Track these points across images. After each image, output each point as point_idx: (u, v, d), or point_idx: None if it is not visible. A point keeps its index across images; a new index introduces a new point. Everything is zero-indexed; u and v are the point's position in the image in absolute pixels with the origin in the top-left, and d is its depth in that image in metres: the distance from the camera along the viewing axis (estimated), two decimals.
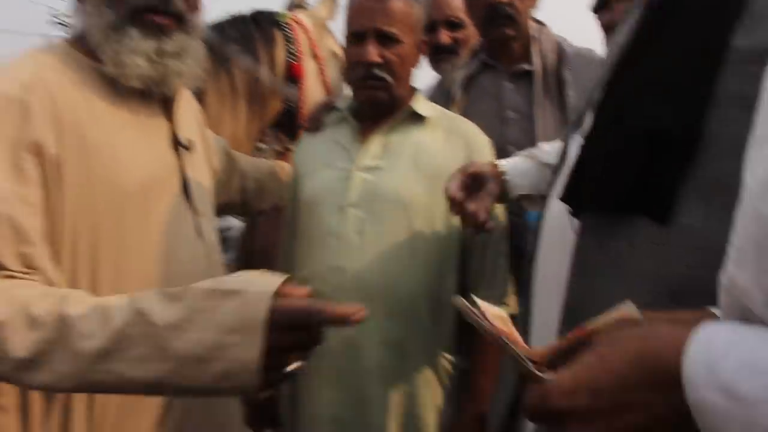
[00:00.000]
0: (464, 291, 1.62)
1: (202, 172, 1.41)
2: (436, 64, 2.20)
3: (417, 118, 1.65)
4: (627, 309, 0.62)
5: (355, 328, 1.52)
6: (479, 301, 0.68)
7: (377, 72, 1.57)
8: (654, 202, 0.79)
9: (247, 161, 1.73)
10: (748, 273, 0.50)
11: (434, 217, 1.56)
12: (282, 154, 1.93)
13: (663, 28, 0.85)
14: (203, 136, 1.49)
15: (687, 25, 0.81)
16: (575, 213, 0.92)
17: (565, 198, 0.94)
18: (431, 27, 2.13)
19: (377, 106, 1.63)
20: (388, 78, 1.58)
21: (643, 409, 0.52)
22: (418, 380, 1.56)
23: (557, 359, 0.62)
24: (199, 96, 1.59)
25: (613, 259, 0.83)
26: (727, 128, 0.76)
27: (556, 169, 1.11)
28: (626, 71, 0.89)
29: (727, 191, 0.72)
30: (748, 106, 0.68)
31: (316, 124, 1.75)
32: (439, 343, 1.60)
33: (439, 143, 1.63)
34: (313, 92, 1.99)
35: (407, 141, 1.62)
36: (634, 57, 0.89)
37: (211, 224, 1.38)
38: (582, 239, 0.89)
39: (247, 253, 2.02)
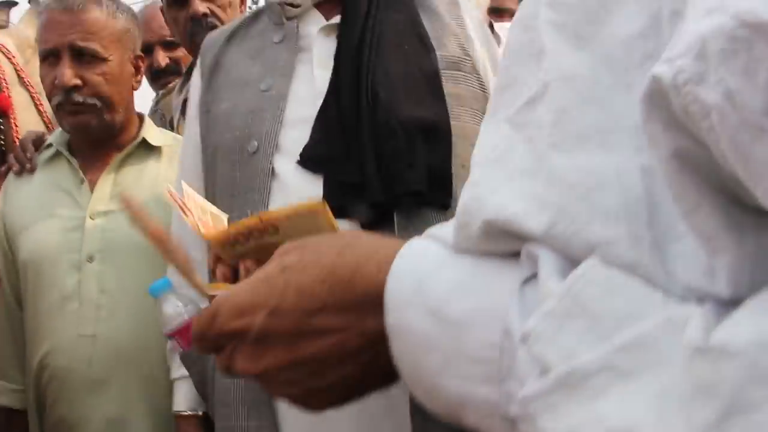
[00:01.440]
0: None
1: None
2: (158, 88, 2.04)
3: (149, 149, 1.45)
4: (315, 203, 0.55)
5: (117, 402, 1.34)
6: (187, 190, 0.60)
7: (76, 97, 1.33)
8: (440, 192, 0.92)
9: None
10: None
11: None
12: None
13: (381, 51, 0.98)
14: None
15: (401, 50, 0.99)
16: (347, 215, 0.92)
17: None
18: (147, 49, 1.92)
19: (89, 135, 1.40)
20: (95, 102, 1.35)
21: (330, 334, 0.44)
22: None
23: (233, 250, 0.55)
24: None
25: None
26: (455, 120, 0.95)
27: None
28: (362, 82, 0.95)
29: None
30: (460, 102, 0.97)
31: (24, 165, 1.46)
32: None
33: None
34: (27, 127, 1.69)
35: (143, 176, 1.42)
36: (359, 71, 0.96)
37: None
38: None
39: None
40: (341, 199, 0.91)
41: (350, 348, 0.44)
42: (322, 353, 0.44)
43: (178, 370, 1.21)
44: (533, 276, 0.34)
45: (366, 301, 0.42)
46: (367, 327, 0.43)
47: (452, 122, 0.95)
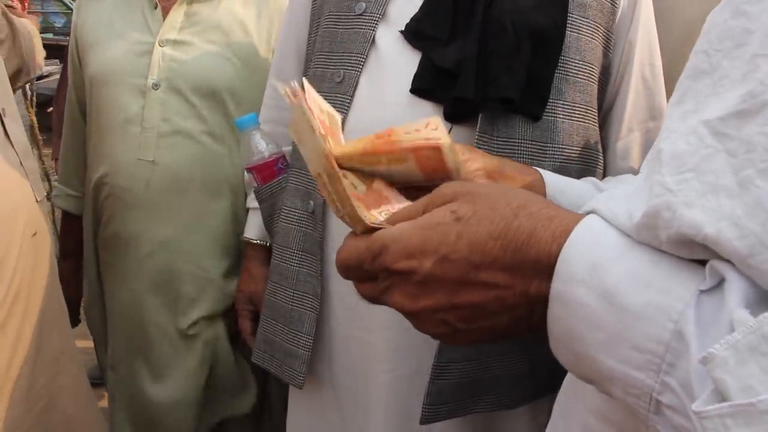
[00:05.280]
0: None
1: None
2: None
3: None
4: (440, 142, 0.51)
5: (171, 226, 1.40)
6: (308, 87, 0.55)
7: None
8: (533, 102, 0.87)
9: None
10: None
11: (246, 103, 1.38)
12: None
13: None
14: None
15: None
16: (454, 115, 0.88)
17: (440, 98, 0.89)
18: None
19: None
20: None
21: (493, 289, 0.45)
22: None
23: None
24: None
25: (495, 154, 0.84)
26: (573, 32, 0.89)
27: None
28: None
29: (573, 88, 0.90)
30: (584, 13, 0.91)
31: None
32: None
33: (252, 19, 1.42)
34: None
35: (215, 12, 1.40)
36: None
37: (18, 123, 1.13)
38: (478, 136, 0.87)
39: None
40: (431, 82, 0.88)
41: (508, 303, 0.46)
42: (480, 304, 0.46)
43: (253, 202, 1.23)
44: (711, 288, 0.36)
45: (535, 266, 0.44)
46: (530, 288, 0.44)
47: (568, 32, 0.89)
